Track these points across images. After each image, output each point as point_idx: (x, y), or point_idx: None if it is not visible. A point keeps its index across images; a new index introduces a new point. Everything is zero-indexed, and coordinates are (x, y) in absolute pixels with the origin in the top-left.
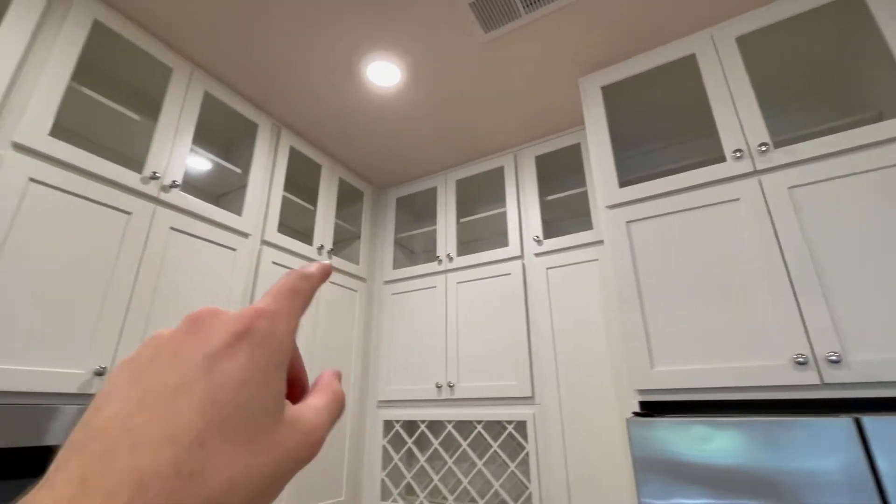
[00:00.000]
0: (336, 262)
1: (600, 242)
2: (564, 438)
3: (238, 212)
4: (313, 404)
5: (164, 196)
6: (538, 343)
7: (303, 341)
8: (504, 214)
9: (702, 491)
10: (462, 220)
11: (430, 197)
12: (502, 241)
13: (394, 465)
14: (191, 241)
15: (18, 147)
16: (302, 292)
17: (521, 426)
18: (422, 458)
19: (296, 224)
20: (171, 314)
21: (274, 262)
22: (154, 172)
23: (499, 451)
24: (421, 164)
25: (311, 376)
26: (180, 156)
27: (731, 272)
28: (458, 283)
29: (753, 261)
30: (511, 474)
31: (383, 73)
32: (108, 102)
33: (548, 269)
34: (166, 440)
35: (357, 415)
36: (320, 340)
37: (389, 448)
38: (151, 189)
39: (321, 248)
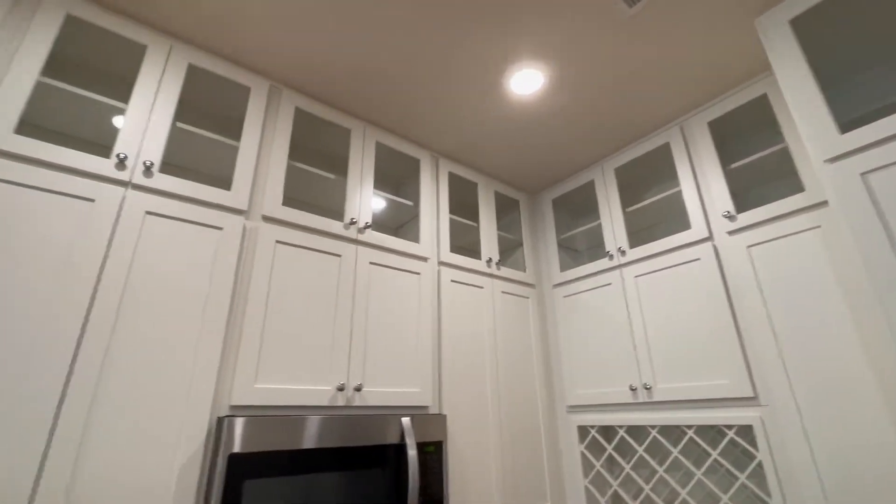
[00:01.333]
0: (504, 272)
1: (821, 205)
2: (811, 446)
3: (416, 239)
4: None
5: (361, 237)
6: (751, 334)
7: (483, 351)
8: (679, 194)
9: None
10: (628, 210)
11: (586, 192)
12: (682, 224)
13: (596, 472)
14: (386, 271)
15: (266, 218)
16: None
17: (745, 431)
18: (626, 466)
19: (463, 242)
20: (382, 335)
21: (452, 281)
22: (352, 219)
23: (720, 459)
24: (572, 161)
25: (496, 385)
26: (367, 200)
27: None
28: (636, 276)
29: None
30: (741, 486)
31: (526, 81)
32: (314, 169)
33: (748, 247)
34: None
35: (548, 421)
36: (501, 352)
37: (588, 454)
38: (352, 233)
39: (489, 260)
